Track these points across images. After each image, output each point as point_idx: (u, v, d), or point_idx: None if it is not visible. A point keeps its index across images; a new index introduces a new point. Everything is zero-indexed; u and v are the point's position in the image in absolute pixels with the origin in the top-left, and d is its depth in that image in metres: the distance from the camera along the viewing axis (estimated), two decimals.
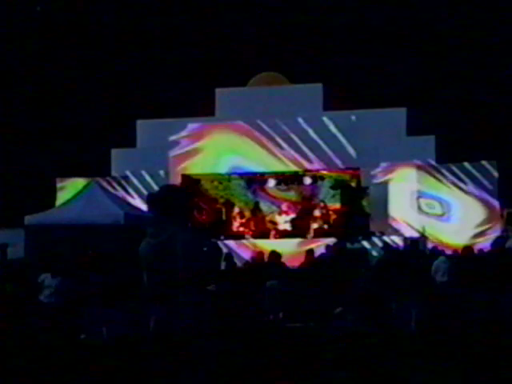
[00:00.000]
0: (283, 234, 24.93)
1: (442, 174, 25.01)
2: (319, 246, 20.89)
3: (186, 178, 26.25)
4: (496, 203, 24.58)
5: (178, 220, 5.10)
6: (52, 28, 30.40)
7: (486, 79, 27.23)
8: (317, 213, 25.37)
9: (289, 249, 21.28)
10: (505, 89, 26.68)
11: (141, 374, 9.31)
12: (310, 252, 17.56)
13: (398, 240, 22.52)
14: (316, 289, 15.52)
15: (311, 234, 24.81)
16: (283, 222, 25.57)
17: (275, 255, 16.82)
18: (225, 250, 20.63)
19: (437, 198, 25.07)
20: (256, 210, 25.84)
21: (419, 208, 24.87)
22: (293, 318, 15.61)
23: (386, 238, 23.00)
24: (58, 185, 26.83)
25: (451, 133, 25.63)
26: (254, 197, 26.34)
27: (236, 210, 25.85)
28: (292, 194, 26.26)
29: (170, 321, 5.01)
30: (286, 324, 15.40)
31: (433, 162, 25.12)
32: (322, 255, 17.44)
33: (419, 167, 24.96)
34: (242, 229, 25.51)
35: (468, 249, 15.80)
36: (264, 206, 26.00)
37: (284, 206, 25.90)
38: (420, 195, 24.96)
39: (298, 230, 25.10)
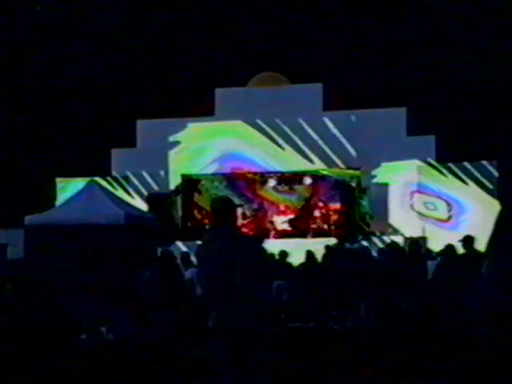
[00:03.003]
0: (283, 234, 24.93)
1: (443, 174, 24.99)
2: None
3: (186, 177, 26.28)
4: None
5: (231, 227, 6.18)
6: (51, 27, 30.38)
7: (487, 79, 27.21)
8: (317, 213, 25.38)
9: (288, 249, 21.26)
10: (505, 89, 26.67)
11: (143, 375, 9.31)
12: (310, 253, 17.50)
13: (398, 240, 22.49)
14: (316, 288, 15.53)
15: (311, 234, 24.81)
16: (281, 222, 25.58)
17: (283, 255, 16.97)
18: None
19: (440, 195, 24.66)
20: (256, 210, 25.85)
21: (419, 211, 24.56)
22: (294, 318, 15.60)
23: (385, 238, 23.00)
24: (58, 185, 26.83)
25: (451, 133, 25.61)
26: (254, 197, 26.35)
27: (238, 210, 25.82)
28: (292, 194, 26.27)
29: (233, 315, 5.85)
30: (287, 324, 15.40)
31: (433, 162, 25.10)
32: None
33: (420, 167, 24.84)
34: (242, 229, 25.54)
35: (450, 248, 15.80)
36: (264, 206, 26.01)
37: (282, 207, 25.91)
38: (420, 189, 24.66)
39: (298, 230, 25.11)
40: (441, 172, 24.97)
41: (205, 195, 26.36)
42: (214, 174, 26.37)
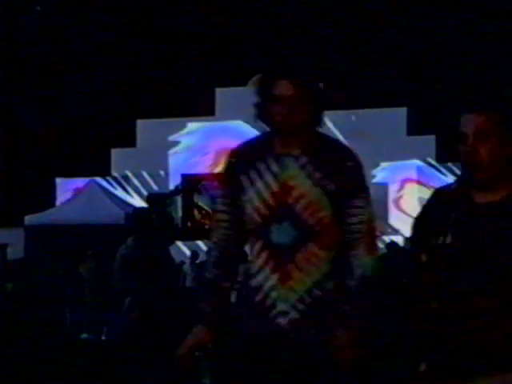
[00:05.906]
0: None
1: (443, 174, 24.97)
2: None
3: (186, 177, 26.25)
4: None
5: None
6: (51, 27, 30.39)
7: (487, 79, 27.20)
8: None
9: None
10: (505, 87, 26.64)
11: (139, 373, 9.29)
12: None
13: (398, 240, 22.46)
14: None
15: None
16: None
17: None
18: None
19: None
20: None
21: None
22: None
23: (385, 238, 22.96)
24: (58, 185, 26.80)
25: (451, 133, 25.58)
26: None
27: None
28: None
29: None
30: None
31: (433, 162, 25.08)
32: None
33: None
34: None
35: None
36: None
37: None
38: (420, 189, 24.67)
39: None
40: (441, 172, 24.95)
41: (205, 195, 26.35)
42: (213, 174, 26.34)
